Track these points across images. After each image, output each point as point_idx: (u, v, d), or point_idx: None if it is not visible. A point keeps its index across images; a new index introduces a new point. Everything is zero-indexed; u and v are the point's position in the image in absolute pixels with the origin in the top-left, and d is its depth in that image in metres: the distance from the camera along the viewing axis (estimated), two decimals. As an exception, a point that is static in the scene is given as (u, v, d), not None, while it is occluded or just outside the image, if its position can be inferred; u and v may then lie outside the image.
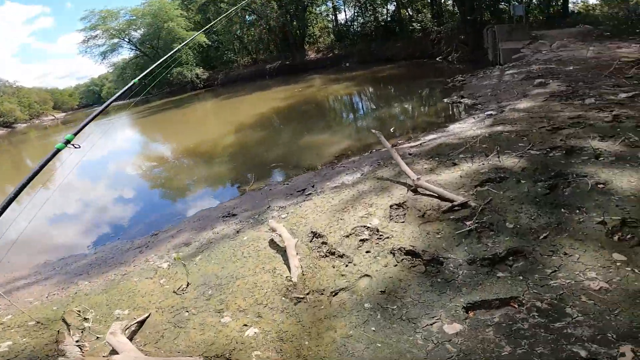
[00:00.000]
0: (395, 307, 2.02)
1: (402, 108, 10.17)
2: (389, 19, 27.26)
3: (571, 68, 7.86)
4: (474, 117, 6.08)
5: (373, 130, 5.04)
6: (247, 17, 30.88)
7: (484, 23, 18.16)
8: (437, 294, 2.05)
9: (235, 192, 5.52)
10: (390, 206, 3.12)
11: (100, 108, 2.54)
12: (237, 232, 3.42)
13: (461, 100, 7.69)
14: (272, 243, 3.00)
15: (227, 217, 4.00)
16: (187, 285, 2.66)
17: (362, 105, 12.90)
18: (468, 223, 2.62)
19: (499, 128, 4.63)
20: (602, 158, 3.19)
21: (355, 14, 29.18)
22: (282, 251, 2.79)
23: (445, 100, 8.53)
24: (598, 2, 17.55)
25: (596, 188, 2.71)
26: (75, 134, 2.08)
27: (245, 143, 8.85)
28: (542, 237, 2.30)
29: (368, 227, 2.84)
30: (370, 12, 27.75)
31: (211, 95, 25.41)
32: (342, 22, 31.17)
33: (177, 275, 2.86)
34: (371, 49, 25.33)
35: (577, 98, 5.33)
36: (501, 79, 8.77)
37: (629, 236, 2.15)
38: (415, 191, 3.28)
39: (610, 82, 6.05)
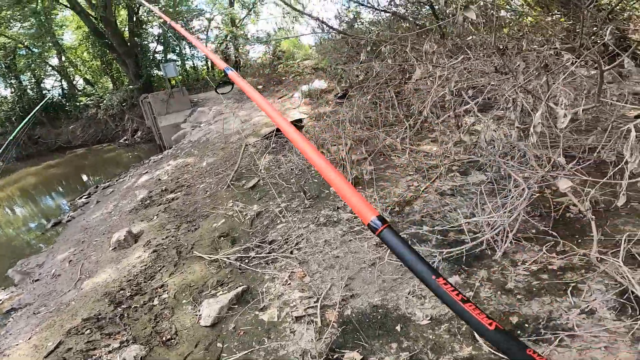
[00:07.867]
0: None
1: None
2: (59, 92, 20.56)
3: (204, 164, 5.22)
4: None
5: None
6: None
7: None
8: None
9: None
10: None
11: None
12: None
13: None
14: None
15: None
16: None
17: None
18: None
19: None
20: None
21: (12, 89, 20.22)
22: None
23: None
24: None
25: None
26: None
27: None
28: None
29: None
30: (30, 86, 19.79)
31: None
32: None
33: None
34: (37, 136, 18.41)
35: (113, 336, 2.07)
36: (120, 202, 5.23)
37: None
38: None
39: (220, 213, 3.39)
